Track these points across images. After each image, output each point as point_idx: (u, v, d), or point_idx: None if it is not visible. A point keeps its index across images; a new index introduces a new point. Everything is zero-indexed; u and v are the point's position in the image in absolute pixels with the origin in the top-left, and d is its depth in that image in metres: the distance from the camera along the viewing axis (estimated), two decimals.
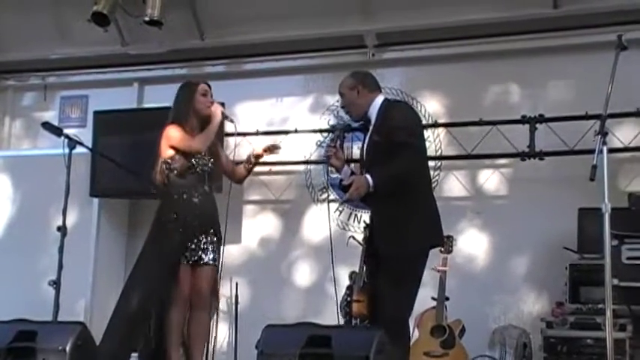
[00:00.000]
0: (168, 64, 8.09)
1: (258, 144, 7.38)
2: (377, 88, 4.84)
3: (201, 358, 5.05)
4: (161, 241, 5.06)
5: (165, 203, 5.14)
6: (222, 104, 5.32)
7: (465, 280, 6.55)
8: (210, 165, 5.18)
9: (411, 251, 4.51)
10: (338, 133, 5.00)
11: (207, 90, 5.26)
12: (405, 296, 4.50)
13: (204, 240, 5.05)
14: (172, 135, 5.07)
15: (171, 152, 5.10)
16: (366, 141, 4.74)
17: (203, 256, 5.02)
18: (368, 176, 4.46)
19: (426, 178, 4.78)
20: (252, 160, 5.34)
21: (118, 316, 5.04)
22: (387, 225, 4.54)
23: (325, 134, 7.47)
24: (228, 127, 5.54)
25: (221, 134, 5.72)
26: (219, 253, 5.15)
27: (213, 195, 5.26)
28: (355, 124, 5.09)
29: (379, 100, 4.76)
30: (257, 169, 7.43)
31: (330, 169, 5.10)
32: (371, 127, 4.71)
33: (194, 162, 5.09)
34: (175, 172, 5.09)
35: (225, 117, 5.23)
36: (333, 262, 5.09)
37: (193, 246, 5.01)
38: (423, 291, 5.87)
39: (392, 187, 4.48)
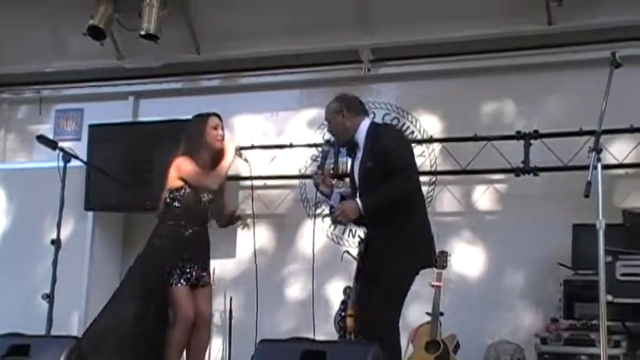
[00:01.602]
0: (164, 78, 8.10)
1: (253, 158, 7.43)
2: (363, 112, 4.86)
3: None
4: (150, 262, 5.13)
5: (161, 227, 5.19)
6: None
7: (460, 296, 6.55)
8: (213, 200, 5.21)
9: (401, 274, 4.54)
10: (323, 161, 5.01)
11: (218, 123, 5.31)
12: (392, 313, 4.52)
13: (197, 268, 5.16)
14: (184, 168, 5.11)
15: (179, 183, 5.14)
16: (357, 166, 4.76)
17: (200, 278, 5.14)
18: (358, 201, 4.50)
19: (419, 198, 4.79)
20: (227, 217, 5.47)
21: (95, 330, 5.09)
22: (379, 246, 4.58)
23: (320, 149, 7.47)
24: (242, 167, 5.59)
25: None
26: (209, 276, 5.32)
27: (207, 229, 5.35)
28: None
29: (365, 123, 4.78)
30: (251, 182, 7.51)
31: (319, 195, 5.08)
32: (360, 152, 4.72)
33: (202, 197, 5.15)
34: (177, 202, 5.13)
35: (239, 155, 5.27)
36: (313, 279, 5.15)
37: (187, 269, 5.07)
38: (417, 306, 5.93)
39: (382, 212, 4.52)
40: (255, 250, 5.96)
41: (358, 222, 4.73)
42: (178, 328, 5.04)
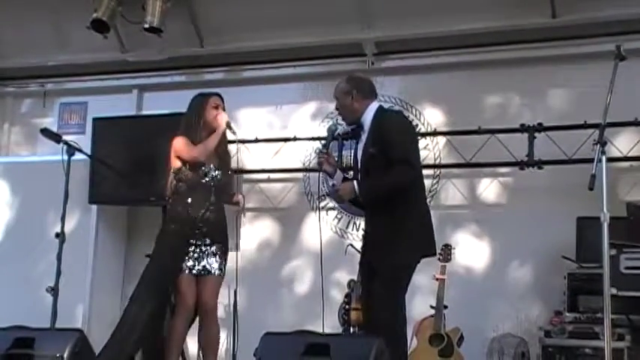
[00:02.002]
0: (168, 71, 8.10)
1: (256, 151, 7.44)
2: (372, 95, 4.84)
3: None
4: (164, 252, 5.08)
5: (170, 215, 5.17)
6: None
7: (464, 289, 6.55)
8: (218, 177, 5.17)
9: (403, 263, 4.55)
10: (329, 139, 5.00)
11: (219, 103, 5.27)
12: (396, 304, 4.52)
13: (208, 250, 5.05)
14: (177, 146, 5.10)
15: (179, 164, 5.12)
16: (360, 149, 4.74)
17: (207, 266, 5.03)
18: (355, 183, 4.54)
19: (420, 188, 4.77)
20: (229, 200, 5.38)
21: (121, 327, 5.07)
22: (380, 236, 4.58)
23: (323, 141, 7.47)
24: (245, 161, 5.56)
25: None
26: (224, 264, 5.17)
27: (222, 206, 5.26)
28: (347, 128, 5.08)
29: (374, 106, 4.77)
30: (255, 176, 7.51)
31: (323, 175, 5.08)
32: (364, 135, 4.71)
33: (201, 173, 5.10)
34: (182, 183, 5.10)
35: (229, 127, 5.22)
36: (322, 273, 5.12)
37: (196, 255, 5.02)
38: (421, 299, 5.95)
39: (378, 199, 4.53)
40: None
41: (357, 204, 4.74)
42: (176, 316, 5.02)
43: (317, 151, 5.01)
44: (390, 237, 4.52)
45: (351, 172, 4.94)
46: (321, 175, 7.21)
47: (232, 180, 5.37)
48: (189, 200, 5.09)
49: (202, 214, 5.06)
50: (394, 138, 4.60)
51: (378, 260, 4.57)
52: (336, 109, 4.94)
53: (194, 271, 5.02)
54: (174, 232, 5.11)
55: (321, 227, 7.28)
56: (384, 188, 4.56)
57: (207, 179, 5.13)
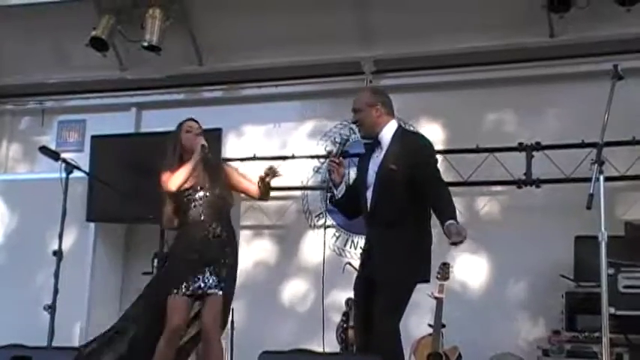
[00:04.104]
0: (166, 90, 8.13)
1: (254, 169, 7.43)
2: (392, 112, 4.85)
3: None
4: (160, 274, 5.08)
5: (174, 241, 5.19)
6: (219, 128, 5.32)
7: (462, 308, 6.53)
8: (207, 195, 5.14)
9: (410, 280, 4.52)
10: (340, 147, 4.98)
11: (192, 125, 5.25)
12: (398, 321, 4.49)
13: (203, 270, 4.98)
14: (161, 182, 5.09)
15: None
16: (374, 164, 4.68)
17: (202, 285, 4.95)
18: (452, 221, 4.40)
19: (428, 211, 4.77)
20: (260, 183, 5.27)
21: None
22: (389, 253, 4.51)
23: (322, 160, 7.49)
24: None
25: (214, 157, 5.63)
26: (227, 282, 5.05)
27: (224, 224, 5.15)
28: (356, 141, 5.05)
29: (393, 125, 4.76)
30: None
31: (327, 183, 5.03)
32: (382, 152, 4.67)
33: (185, 200, 5.09)
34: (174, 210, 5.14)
35: (203, 148, 5.16)
36: (323, 292, 5.10)
37: (192, 278, 4.95)
38: (419, 318, 5.93)
39: (399, 216, 4.52)
40: None
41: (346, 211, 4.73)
42: (163, 338, 4.94)
43: (328, 154, 4.94)
44: (401, 254, 4.48)
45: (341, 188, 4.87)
46: (323, 193, 7.29)
47: (227, 194, 5.26)
48: (186, 226, 5.09)
49: (199, 236, 5.05)
50: (428, 157, 4.64)
51: (385, 274, 4.49)
52: (354, 121, 4.89)
53: (188, 292, 4.96)
54: (169, 254, 5.12)
55: (319, 246, 7.32)
56: (451, 202, 4.53)
57: (195, 204, 5.11)
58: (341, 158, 4.81)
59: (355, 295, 4.80)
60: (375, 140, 4.76)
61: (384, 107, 4.78)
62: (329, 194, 4.88)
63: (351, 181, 4.97)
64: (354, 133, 7.39)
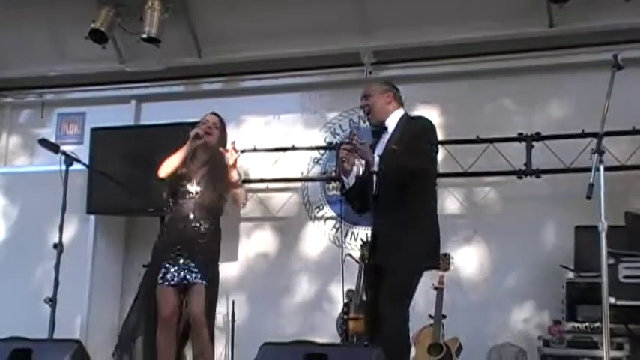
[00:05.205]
0: (166, 82, 8.11)
1: (254, 161, 7.44)
2: (402, 104, 4.88)
3: None
4: (150, 264, 5.10)
5: (161, 228, 5.24)
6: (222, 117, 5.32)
7: (462, 298, 6.55)
8: (201, 191, 5.13)
9: (415, 267, 4.51)
10: (354, 132, 4.96)
11: (208, 119, 5.29)
12: (406, 307, 4.48)
13: (187, 261, 5.01)
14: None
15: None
16: (380, 149, 4.68)
17: (187, 275, 4.99)
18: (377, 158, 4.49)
19: (436, 199, 4.76)
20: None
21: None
22: (396, 237, 4.50)
23: (322, 151, 7.49)
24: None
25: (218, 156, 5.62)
26: (210, 272, 5.07)
27: (211, 220, 5.15)
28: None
29: (400, 112, 4.80)
30: (254, 186, 7.50)
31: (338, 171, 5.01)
32: (387, 137, 4.69)
33: (180, 190, 5.12)
34: (171, 199, 5.16)
35: (195, 137, 5.18)
36: (344, 282, 5.10)
37: (176, 267, 5.00)
38: (420, 308, 5.93)
39: (399, 169, 4.50)
40: None
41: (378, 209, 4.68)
42: (158, 329, 5.02)
43: (345, 138, 4.92)
44: (407, 239, 4.47)
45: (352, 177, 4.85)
46: (324, 184, 7.30)
47: (216, 198, 5.24)
48: (175, 214, 5.12)
49: (186, 227, 5.06)
50: (424, 130, 4.65)
51: (390, 260, 4.48)
52: (363, 106, 4.88)
53: (173, 282, 5.00)
54: (157, 245, 5.14)
55: (319, 237, 7.34)
56: (407, 166, 4.49)
57: (187, 197, 5.12)
58: (356, 138, 4.73)
59: (365, 282, 4.80)
60: (382, 127, 4.78)
61: (395, 96, 4.84)
62: (340, 184, 4.88)
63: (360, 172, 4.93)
64: (355, 123, 7.40)
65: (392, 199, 4.57)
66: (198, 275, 4.99)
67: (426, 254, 4.56)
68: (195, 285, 4.99)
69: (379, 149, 4.71)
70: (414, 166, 4.52)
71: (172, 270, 5.01)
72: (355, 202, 4.91)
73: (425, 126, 4.74)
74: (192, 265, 5.00)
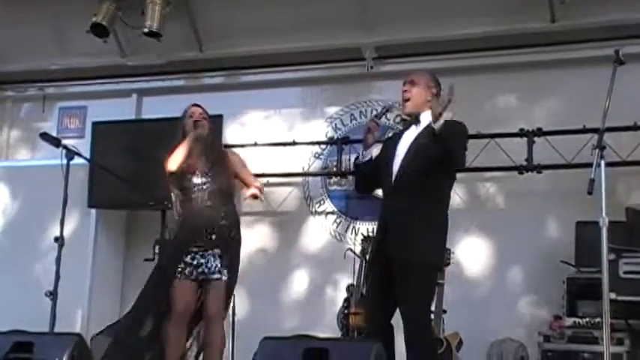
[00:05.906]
0: (167, 76, 8.11)
1: (255, 155, 7.44)
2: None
3: None
4: (161, 259, 5.09)
5: (169, 223, 5.23)
6: (220, 115, 5.32)
7: (463, 293, 6.54)
8: (210, 181, 5.13)
9: (439, 262, 4.50)
10: (384, 111, 4.95)
11: (194, 111, 5.29)
12: (429, 312, 4.46)
13: (206, 255, 5.01)
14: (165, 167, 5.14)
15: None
16: (407, 140, 4.61)
17: (206, 270, 4.99)
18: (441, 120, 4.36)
19: (449, 195, 4.71)
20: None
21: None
22: (412, 226, 4.37)
23: (323, 146, 7.49)
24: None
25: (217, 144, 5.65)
26: (230, 268, 5.08)
27: (227, 209, 5.14)
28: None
29: None
30: None
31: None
32: (419, 130, 4.60)
33: (187, 184, 5.11)
34: (179, 196, 5.15)
35: (195, 129, 5.19)
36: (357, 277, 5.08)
37: (195, 262, 4.99)
38: None
39: (456, 141, 4.47)
40: None
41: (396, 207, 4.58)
42: (169, 322, 5.00)
43: (381, 111, 4.88)
44: (426, 229, 4.38)
45: (345, 181, 4.83)
46: (325, 179, 7.28)
47: (230, 181, 5.26)
48: (184, 209, 5.11)
49: (202, 221, 5.05)
50: (460, 130, 4.60)
51: (417, 258, 4.33)
52: (404, 91, 4.82)
53: (192, 277, 4.99)
54: (170, 240, 5.13)
55: (319, 232, 7.34)
56: (455, 146, 4.46)
57: (197, 189, 5.12)
58: (381, 119, 4.76)
59: (370, 274, 4.74)
60: (414, 119, 4.70)
61: (437, 95, 4.75)
62: (356, 158, 4.87)
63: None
64: (354, 119, 7.40)
65: (412, 185, 4.44)
66: (216, 269, 4.99)
67: (442, 256, 4.54)
68: (215, 281, 5.00)
69: (406, 138, 4.62)
70: (459, 155, 4.49)
71: (195, 263, 4.98)
72: (362, 178, 4.84)
73: (465, 130, 4.68)
74: (214, 257, 5.00)
